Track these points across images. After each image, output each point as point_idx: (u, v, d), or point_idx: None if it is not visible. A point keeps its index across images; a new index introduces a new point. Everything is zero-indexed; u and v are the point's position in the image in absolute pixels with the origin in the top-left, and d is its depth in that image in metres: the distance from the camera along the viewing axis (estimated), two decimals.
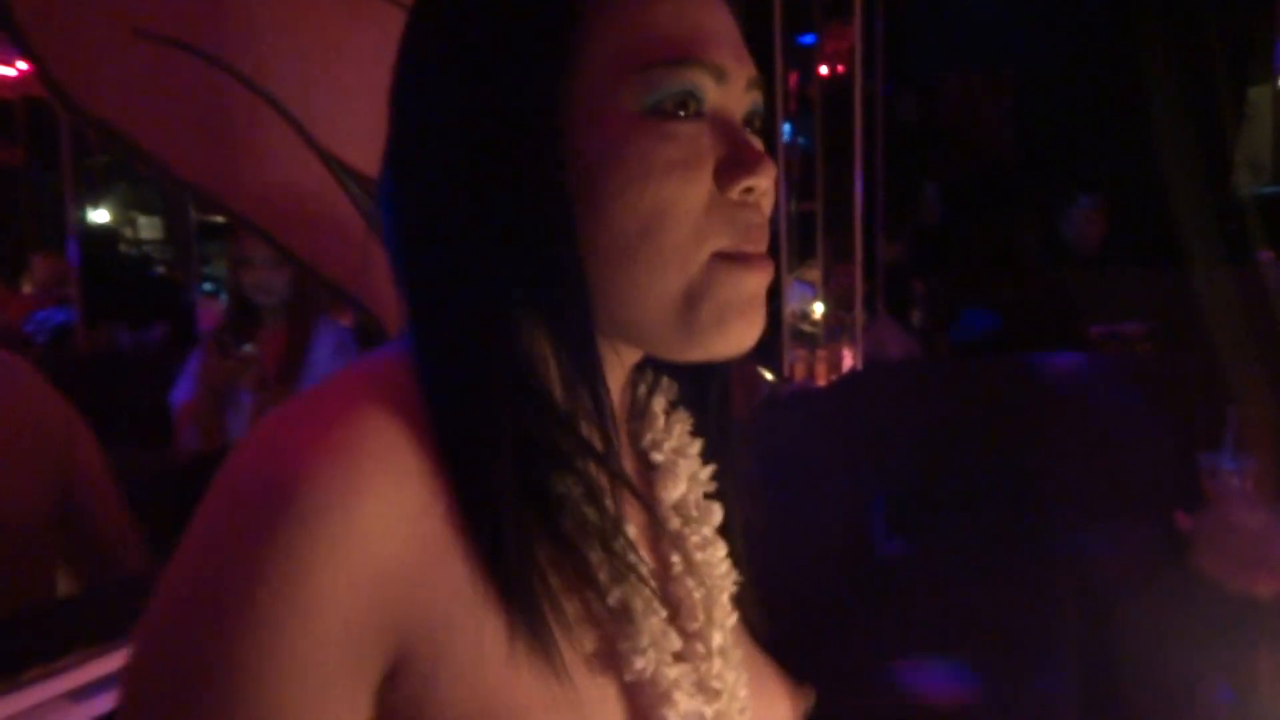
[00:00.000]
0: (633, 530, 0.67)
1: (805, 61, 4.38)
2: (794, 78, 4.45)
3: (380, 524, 0.58)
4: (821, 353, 3.97)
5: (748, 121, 0.67)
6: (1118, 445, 3.16)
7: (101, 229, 5.49)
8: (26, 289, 4.75)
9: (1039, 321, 4.48)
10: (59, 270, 4.61)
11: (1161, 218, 4.49)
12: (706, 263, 0.63)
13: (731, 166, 0.63)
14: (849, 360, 4.14)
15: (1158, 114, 4.80)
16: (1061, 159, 5.38)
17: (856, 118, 4.19)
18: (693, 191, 0.62)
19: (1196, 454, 2.26)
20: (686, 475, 0.75)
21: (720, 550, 0.74)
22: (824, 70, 4.37)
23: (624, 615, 0.65)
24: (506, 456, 0.61)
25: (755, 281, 0.65)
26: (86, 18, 1.20)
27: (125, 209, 5.18)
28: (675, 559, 0.73)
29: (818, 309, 4.22)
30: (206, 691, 0.56)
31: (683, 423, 0.76)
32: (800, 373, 3.96)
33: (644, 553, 0.68)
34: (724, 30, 0.64)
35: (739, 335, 0.65)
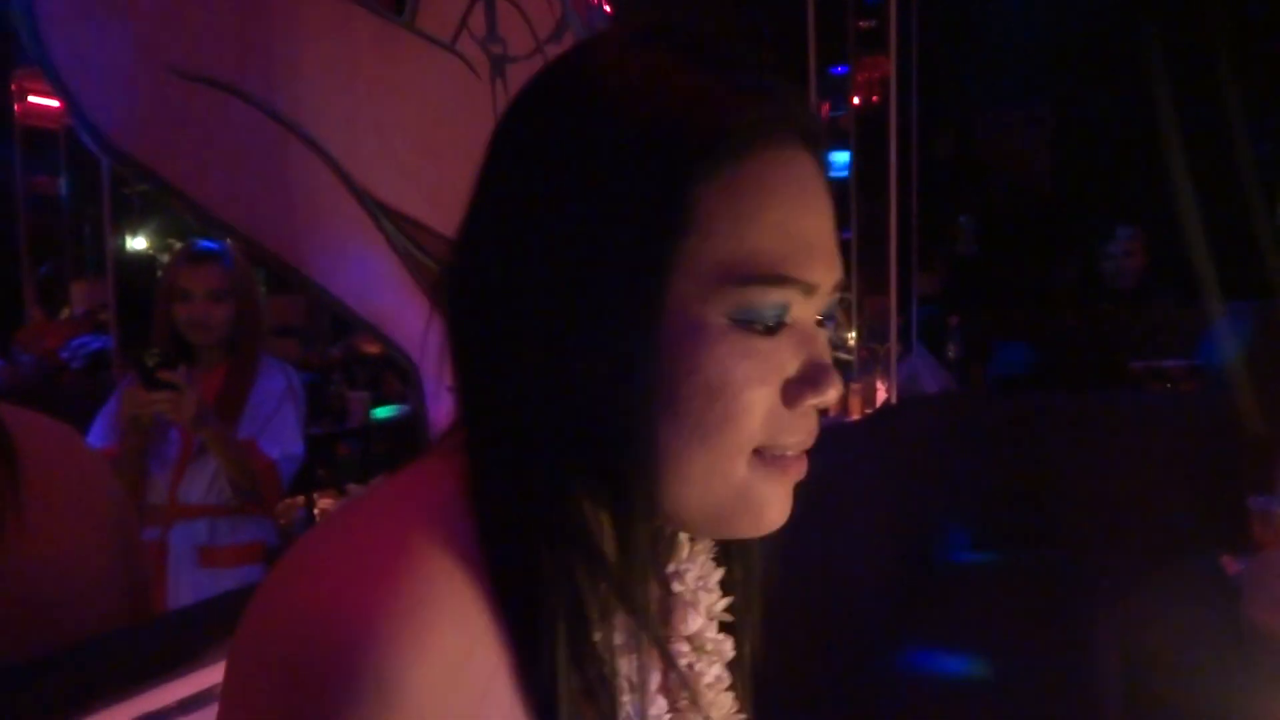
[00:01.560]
0: (655, 673, 0.67)
1: (838, 92, 4.37)
2: (825, 108, 4.43)
3: (446, 673, 0.55)
4: (855, 385, 3.92)
5: (826, 317, 0.68)
6: (1162, 486, 3.10)
7: (139, 256, 5.55)
8: (65, 315, 4.80)
9: (1076, 356, 4.42)
10: (97, 296, 4.65)
11: (1203, 252, 4.41)
12: (749, 461, 0.63)
13: (802, 384, 0.64)
14: (883, 393, 4.09)
15: (1198, 147, 4.74)
16: (1099, 192, 5.31)
17: (891, 148, 4.16)
18: (761, 403, 0.62)
19: (1245, 496, 2.20)
20: (705, 607, 0.74)
21: (727, 686, 0.74)
22: (857, 100, 4.35)
23: None
24: (557, 602, 0.59)
25: (791, 480, 0.66)
26: (120, 56, 1.20)
27: (163, 237, 5.23)
28: (683, 695, 0.72)
29: (850, 339, 4.18)
30: None
31: (706, 551, 0.76)
32: (835, 409, 3.91)
33: (661, 691, 0.69)
34: (822, 241, 0.64)
35: (767, 526, 0.66)
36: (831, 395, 0.64)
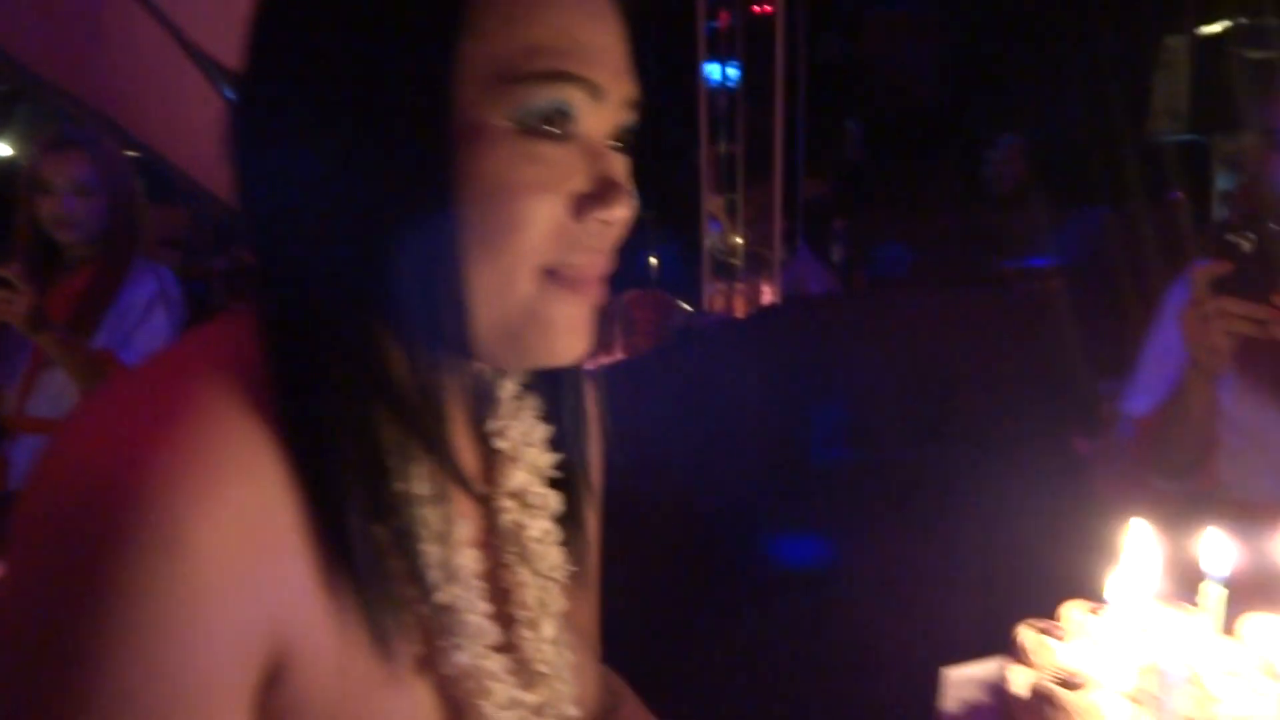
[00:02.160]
0: (466, 523, 0.67)
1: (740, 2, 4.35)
2: (725, 17, 4.40)
3: (234, 526, 0.55)
4: (740, 286, 3.98)
5: (620, 138, 0.66)
6: (1023, 378, 3.23)
7: (2, 161, 5.29)
8: None
9: (953, 257, 4.54)
10: None
11: (1080, 161, 4.55)
12: (538, 279, 0.62)
13: (590, 198, 0.62)
14: (768, 295, 4.16)
15: (1079, 60, 4.85)
16: (983, 101, 5.42)
17: (778, 56, 4.16)
18: (544, 214, 0.61)
19: (1098, 382, 2.30)
20: (529, 463, 0.74)
21: (556, 540, 0.74)
22: (756, 9, 4.33)
23: (447, 612, 0.66)
24: (355, 454, 0.60)
25: (583, 305, 0.65)
26: None
27: (28, 143, 4.96)
28: (510, 548, 0.73)
29: (737, 242, 4.23)
30: None
31: (532, 409, 0.75)
32: (719, 305, 3.96)
33: (475, 544, 0.69)
34: (607, 45, 0.63)
35: (563, 351, 0.65)
36: (619, 213, 0.63)
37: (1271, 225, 1.78)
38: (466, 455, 0.71)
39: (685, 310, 3.22)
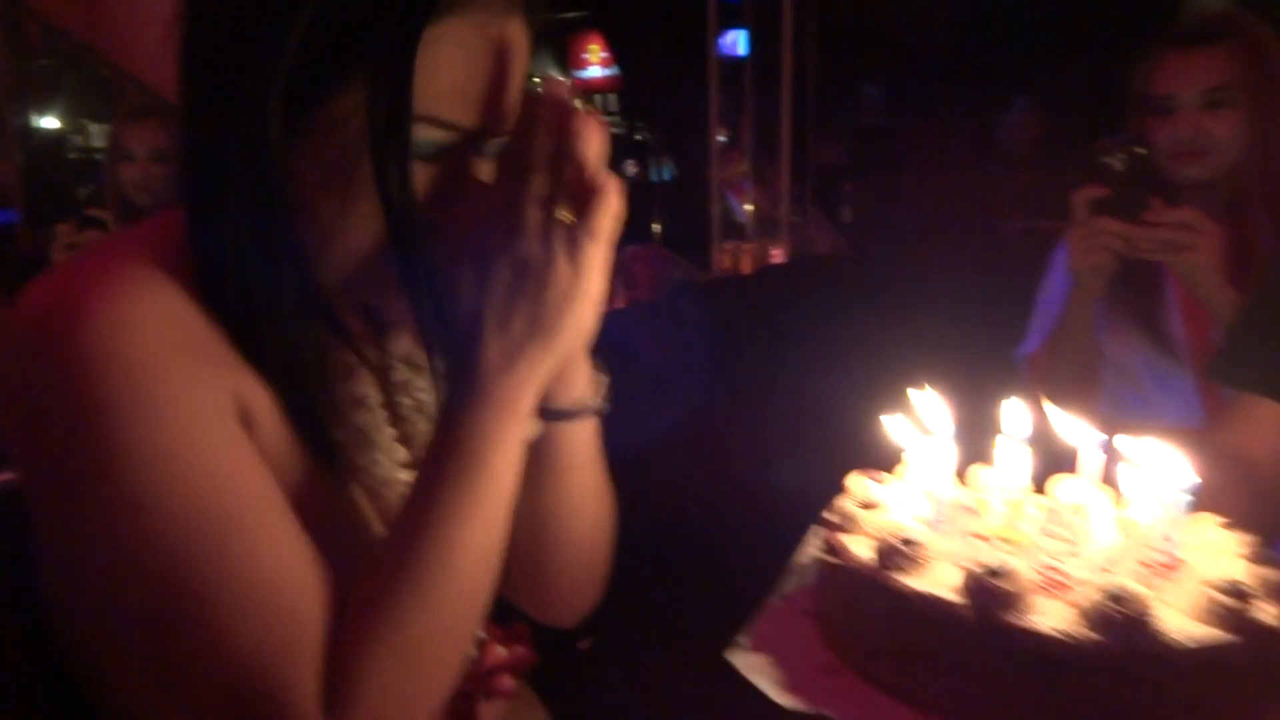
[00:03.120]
0: (368, 378, 0.90)
1: None
2: None
3: (167, 325, 0.75)
4: (748, 246, 4.11)
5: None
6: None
7: (50, 134, 5.50)
8: None
9: (965, 219, 4.63)
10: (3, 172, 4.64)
11: (1097, 122, 4.57)
12: None
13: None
14: (776, 256, 4.29)
15: (1098, 22, 4.87)
16: (998, 62, 5.46)
17: (786, 23, 4.27)
18: None
19: None
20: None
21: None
22: None
23: (361, 436, 0.89)
24: (264, 310, 0.79)
25: None
26: None
27: (75, 116, 5.19)
28: (405, 400, 0.95)
29: (747, 208, 4.36)
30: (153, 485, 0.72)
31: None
32: (726, 264, 4.10)
33: (375, 392, 0.92)
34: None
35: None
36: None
37: (1138, 149, 1.91)
38: (359, 326, 0.93)
39: (686, 266, 3.37)
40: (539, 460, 1.00)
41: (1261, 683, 0.77)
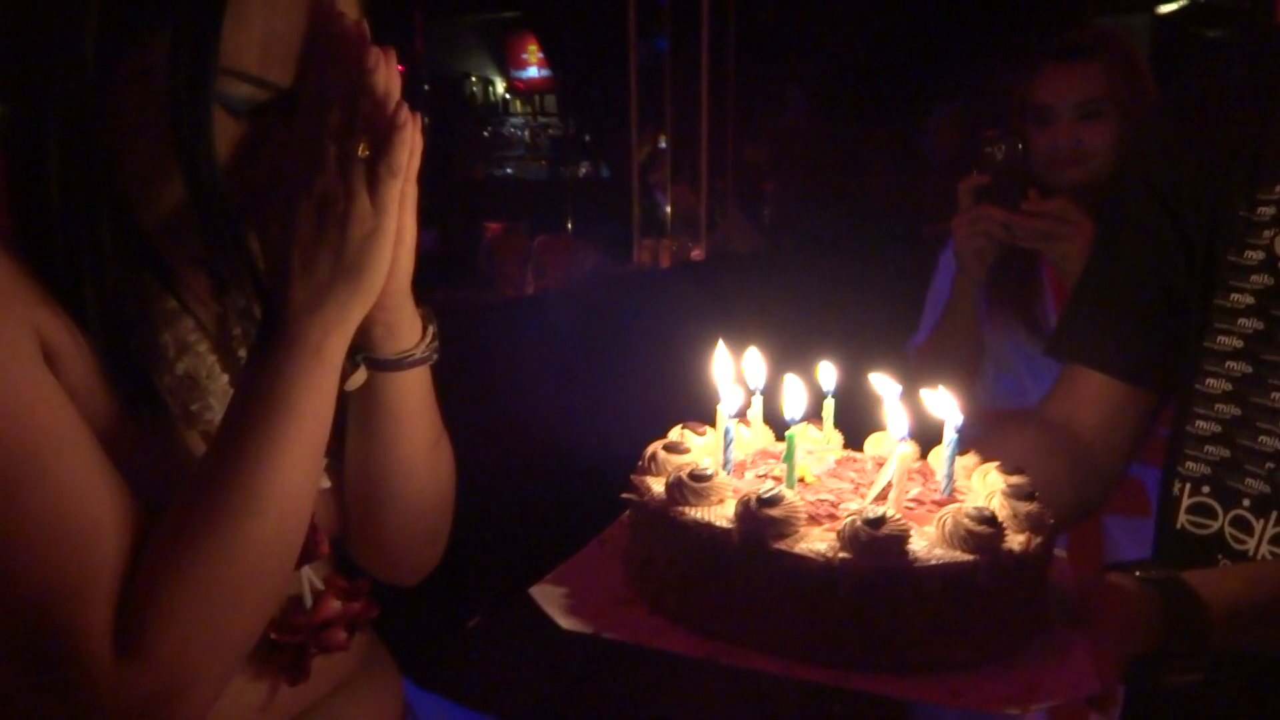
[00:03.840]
0: (194, 326, 0.93)
1: None
2: None
3: None
4: (666, 242, 4.18)
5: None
6: None
7: None
8: None
9: (880, 221, 4.73)
10: None
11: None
12: None
13: None
14: (695, 252, 4.36)
15: (1022, 32, 5.01)
16: (920, 69, 5.58)
17: (703, 26, 4.35)
18: None
19: None
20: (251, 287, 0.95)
21: None
22: None
23: (191, 381, 0.91)
24: (85, 251, 0.83)
25: None
26: None
27: None
28: (242, 352, 0.97)
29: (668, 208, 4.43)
30: None
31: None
32: (646, 258, 4.16)
33: (206, 340, 0.94)
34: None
35: None
36: None
37: (1018, 144, 2.02)
38: (197, 280, 0.96)
39: (597, 257, 3.42)
40: (368, 411, 1.03)
41: (1008, 605, 0.84)
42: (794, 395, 1.00)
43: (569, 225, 4.04)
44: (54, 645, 0.77)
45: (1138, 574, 0.98)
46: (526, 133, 8.94)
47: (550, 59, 8.55)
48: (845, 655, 0.81)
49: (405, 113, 0.84)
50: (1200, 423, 1.20)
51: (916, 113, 5.41)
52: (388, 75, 0.84)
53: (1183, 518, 1.23)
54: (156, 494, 0.85)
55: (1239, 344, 1.16)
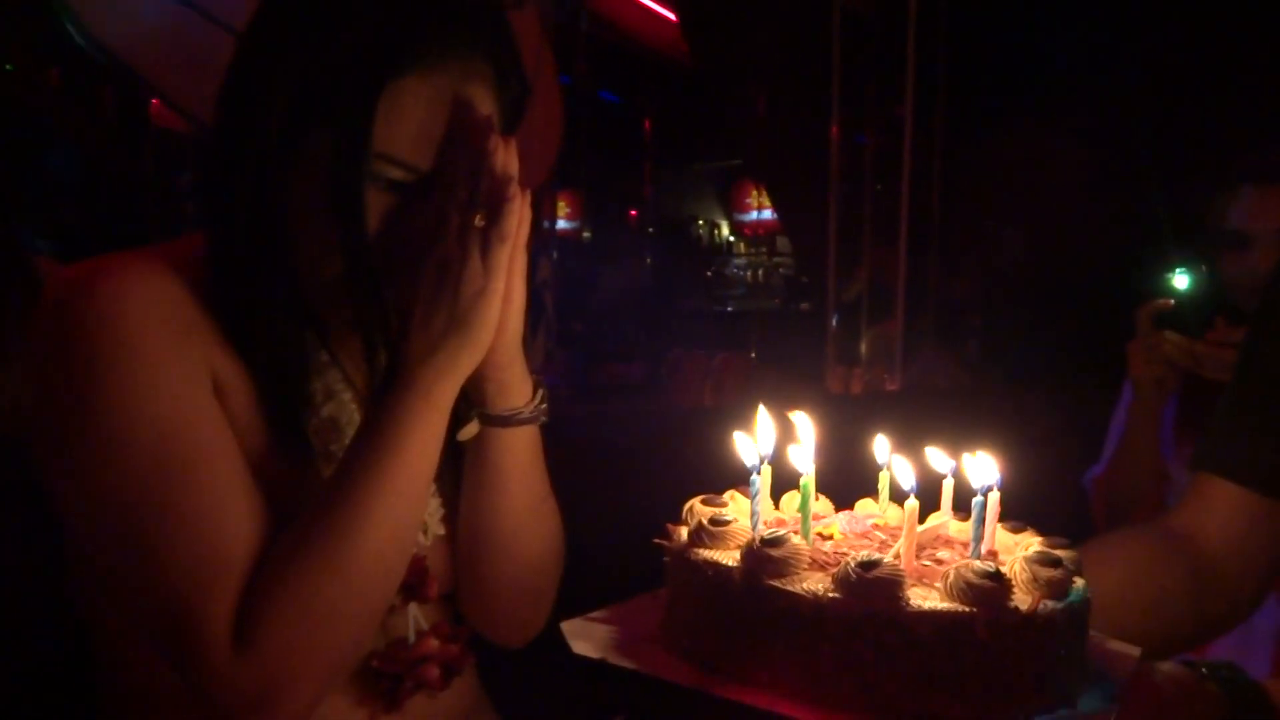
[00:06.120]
0: (341, 376, 1.09)
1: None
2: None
3: (158, 305, 0.95)
4: (857, 370, 4.17)
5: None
6: None
7: None
8: None
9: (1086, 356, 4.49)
10: None
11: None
12: None
13: None
14: (889, 384, 4.31)
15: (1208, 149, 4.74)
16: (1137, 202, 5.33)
17: (905, 169, 4.43)
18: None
19: None
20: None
21: None
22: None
23: (333, 424, 1.05)
24: (261, 310, 1.00)
25: None
26: None
27: None
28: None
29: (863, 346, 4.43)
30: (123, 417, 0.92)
31: None
32: (837, 387, 4.16)
33: (349, 390, 1.09)
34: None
35: None
36: None
37: (1204, 269, 1.92)
38: (353, 344, 1.10)
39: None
40: (478, 464, 1.12)
41: (1010, 666, 0.82)
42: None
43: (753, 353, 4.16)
44: (184, 628, 0.90)
45: (1203, 670, 0.93)
46: (748, 273, 9.22)
47: (773, 203, 8.84)
48: (837, 698, 0.82)
49: (515, 188, 0.96)
50: None
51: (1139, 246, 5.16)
52: (506, 158, 0.96)
53: None
54: (290, 515, 0.97)
55: None
